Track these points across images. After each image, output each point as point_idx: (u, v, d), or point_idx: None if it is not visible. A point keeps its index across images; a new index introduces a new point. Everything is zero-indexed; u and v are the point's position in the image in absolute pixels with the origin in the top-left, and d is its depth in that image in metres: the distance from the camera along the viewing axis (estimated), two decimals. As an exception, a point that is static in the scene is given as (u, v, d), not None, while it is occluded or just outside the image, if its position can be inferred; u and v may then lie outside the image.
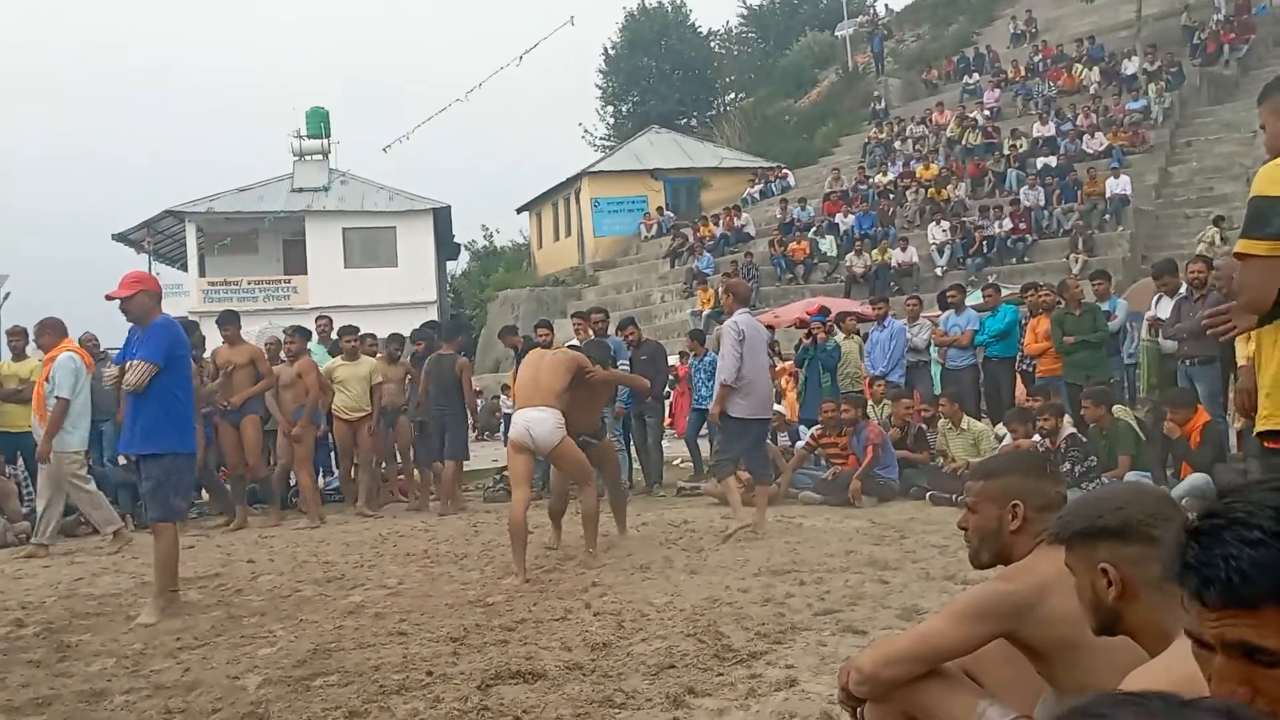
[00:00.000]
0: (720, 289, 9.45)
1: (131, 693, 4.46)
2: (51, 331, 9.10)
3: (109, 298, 6.32)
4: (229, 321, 10.21)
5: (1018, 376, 11.62)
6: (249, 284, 29.72)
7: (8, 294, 24.61)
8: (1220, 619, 1.21)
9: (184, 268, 31.43)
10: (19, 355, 11.39)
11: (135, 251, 31.56)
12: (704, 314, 20.74)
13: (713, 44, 45.88)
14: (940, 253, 20.73)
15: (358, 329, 11.16)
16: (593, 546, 7.10)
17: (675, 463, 12.52)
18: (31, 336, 9.80)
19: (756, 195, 29.14)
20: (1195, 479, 7.87)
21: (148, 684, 4.58)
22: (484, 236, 40.94)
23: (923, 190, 23.46)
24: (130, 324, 6.38)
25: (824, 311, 13.37)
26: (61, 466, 8.56)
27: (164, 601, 6.04)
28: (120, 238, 31.14)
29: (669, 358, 13.05)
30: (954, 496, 8.79)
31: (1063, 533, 2.07)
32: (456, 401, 10.40)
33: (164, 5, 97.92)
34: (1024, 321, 11.48)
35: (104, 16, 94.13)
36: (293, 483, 10.82)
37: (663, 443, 12.07)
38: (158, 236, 31.48)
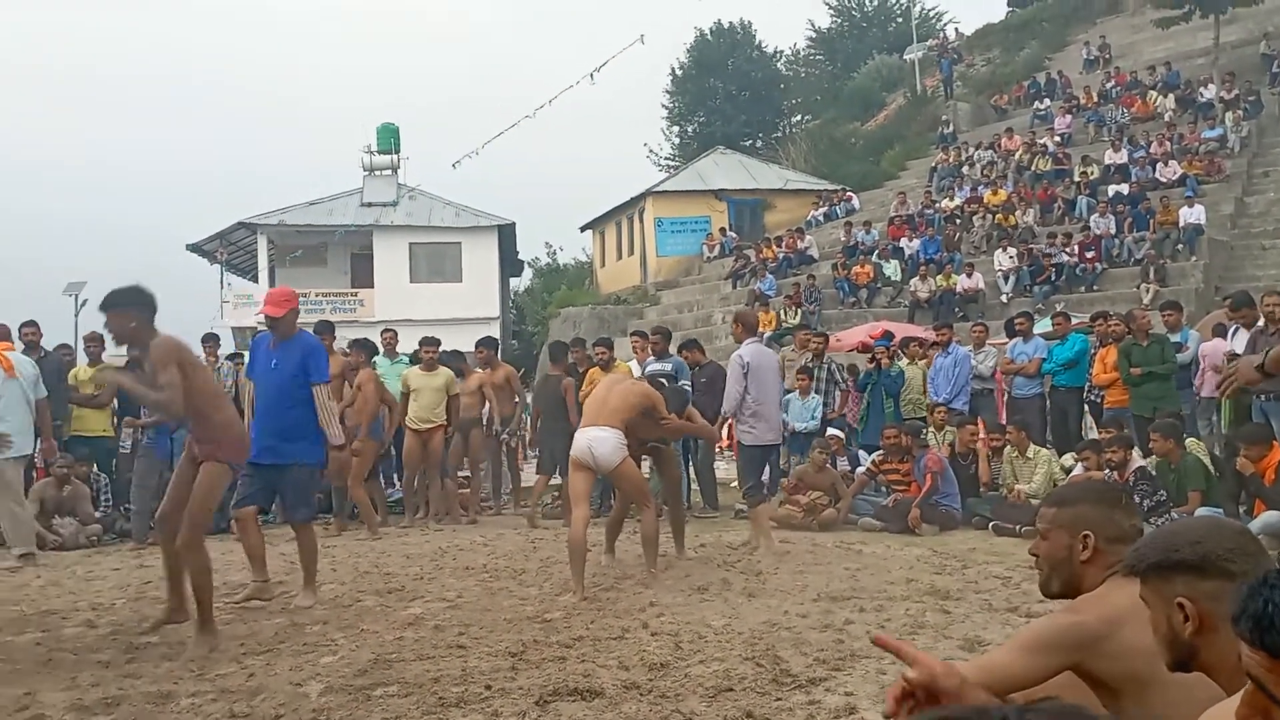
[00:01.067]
0: (731, 319, 9.73)
1: (197, 696, 4.54)
2: None
3: (263, 314, 6.90)
4: (326, 331, 10.29)
5: (1085, 407, 11.44)
6: (317, 296, 30.13)
7: (85, 300, 25.21)
8: (1251, 652, 1.24)
9: (254, 279, 32.05)
10: (95, 361, 11.70)
11: (209, 262, 32.25)
12: (765, 336, 20.67)
13: (780, 66, 45.83)
14: (1006, 279, 20.49)
15: (438, 341, 11.27)
16: (653, 566, 7.12)
17: (733, 485, 12.46)
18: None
19: (821, 218, 29.02)
20: (1269, 516, 7.68)
21: (213, 688, 4.66)
22: (547, 254, 41.23)
23: (990, 216, 23.22)
24: (263, 338, 6.97)
25: (888, 336, 13.27)
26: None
27: (315, 586, 6.70)
28: (194, 248, 31.82)
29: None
30: (1018, 527, 8.67)
31: (1138, 565, 2.04)
32: (562, 419, 10.54)
33: (243, 22, 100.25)
34: (1094, 351, 11.31)
35: (183, 32, 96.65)
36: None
37: (719, 464, 12.04)
38: (230, 248, 32.13)
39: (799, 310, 21.14)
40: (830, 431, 11.35)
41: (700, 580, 6.95)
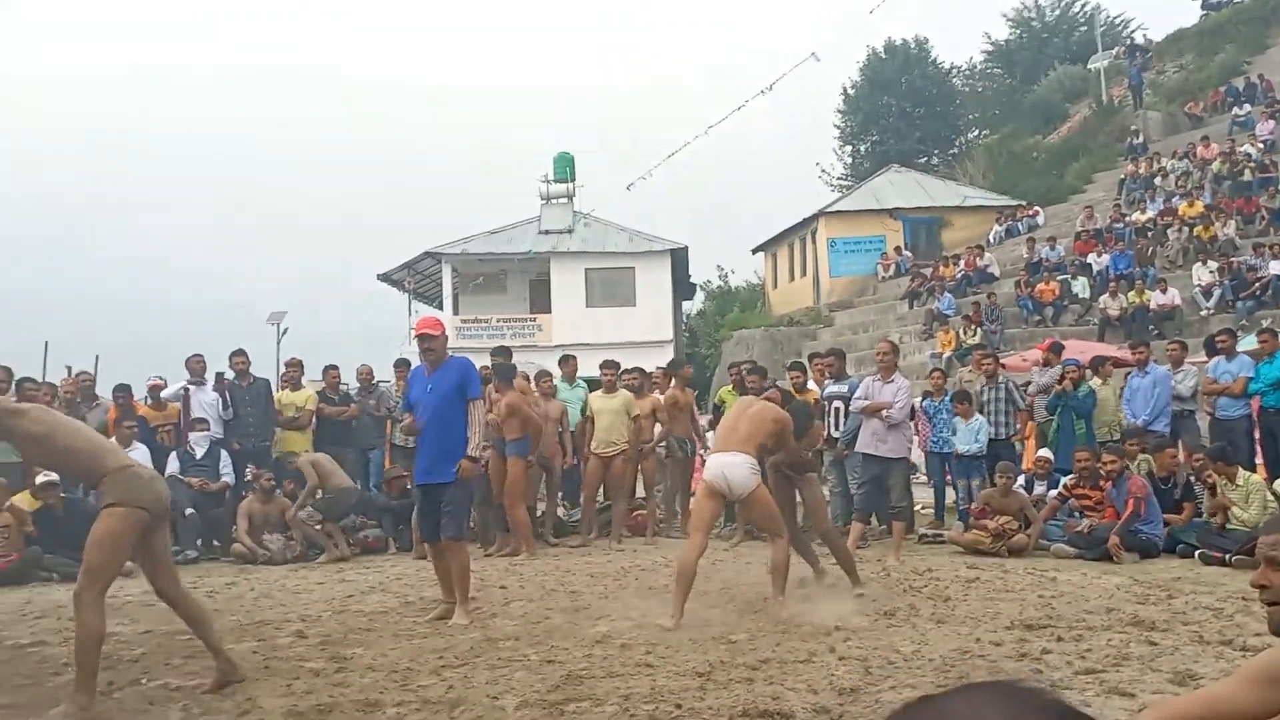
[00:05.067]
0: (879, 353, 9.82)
1: (402, 705, 4.73)
2: None
3: (421, 334, 7.14)
4: (501, 355, 10.65)
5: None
6: (498, 322, 31.07)
7: (286, 329, 26.70)
8: None
9: (440, 306, 33.21)
10: (295, 386, 12.40)
11: (398, 291, 33.67)
12: (944, 356, 20.19)
13: (955, 80, 44.82)
14: (1206, 295, 19.39)
15: (617, 364, 11.43)
16: (780, 594, 6.86)
17: (916, 508, 12.20)
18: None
19: (1002, 234, 28.17)
20: None
21: (416, 698, 4.85)
22: (719, 276, 41.38)
23: (1186, 229, 22.06)
24: (428, 361, 7.14)
25: (1056, 346, 12.74)
26: None
27: (470, 605, 6.83)
28: (384, 278, 33.25)
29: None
30: (1228, 556, 8.20)
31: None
32: None
33: (423, 62, 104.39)
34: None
35: (370, 73, 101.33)
36: (539, 513, 11.20)
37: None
38: (417, 277, 33.45)
39: (978, 329, 20.55)
40: (1040, 454, 10.97)
41: (886, 605, 6.84)
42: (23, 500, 9.67)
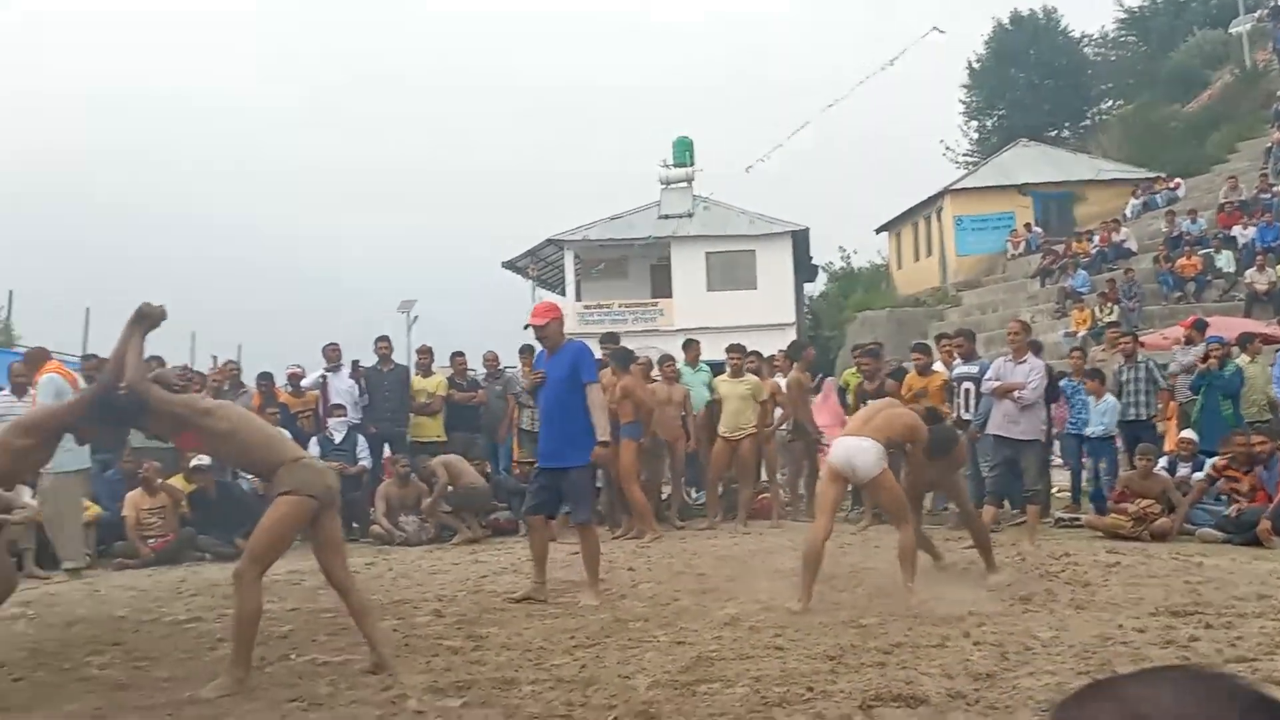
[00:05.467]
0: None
1: (536, 684, 4.83)
2: (31, 361, 9.47)
3: (528, 326, 7.17)
4: (610, 340, 10.81)
5: None
6: (620, 307, 31.26)
7: (416, 317, 27.39)
8: None
9: (562, 292, 33.61)
10: (426, 372, 12.72)
11: (522, 278, 34.22)
12: (1079, 335, 19.54)
13: (1087, 50, 43.22)
14: (1363, 267, 18.35)
15: (743, 347, 11.43)
16: (910, 582, 6.71)
17: (1052, 491, 11.88)
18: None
19: (1139, 208, 27.10)
20: None
21: (550, 677, 4.95)
22: (841, 258, 40.79)
23: (1340, 197, 20.88)
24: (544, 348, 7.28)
25: (1199, 323, 12.21)
26: (58, 487, 8.54)
27: (599, 588, 6.92)
28: (509, 265, 33.83)
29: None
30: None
31: None
32: None
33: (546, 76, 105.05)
34: None
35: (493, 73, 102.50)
36: (664, 496, 11.28)
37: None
38: (540, 264, 33.91)
39: (1115, 307, 19.84)
40: (1183, 435, 10.58)
41: (1022, 590, 6.70)
42: (177, 482, 10.17)
